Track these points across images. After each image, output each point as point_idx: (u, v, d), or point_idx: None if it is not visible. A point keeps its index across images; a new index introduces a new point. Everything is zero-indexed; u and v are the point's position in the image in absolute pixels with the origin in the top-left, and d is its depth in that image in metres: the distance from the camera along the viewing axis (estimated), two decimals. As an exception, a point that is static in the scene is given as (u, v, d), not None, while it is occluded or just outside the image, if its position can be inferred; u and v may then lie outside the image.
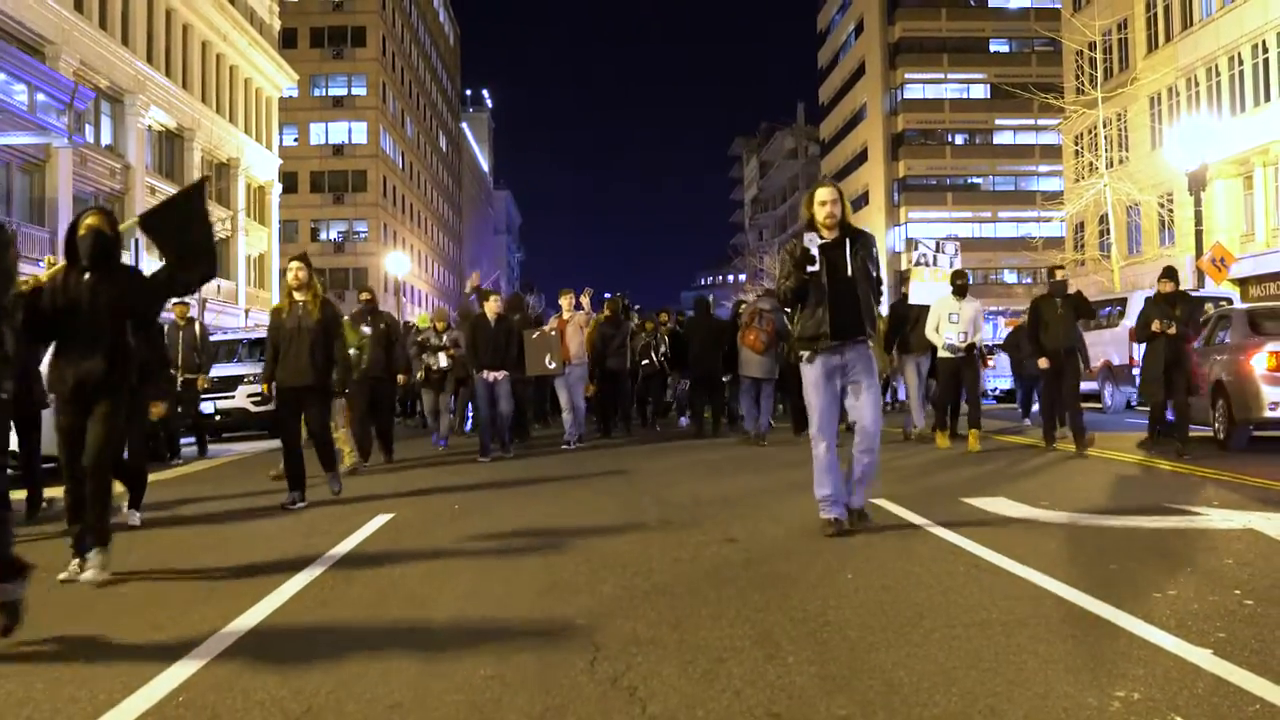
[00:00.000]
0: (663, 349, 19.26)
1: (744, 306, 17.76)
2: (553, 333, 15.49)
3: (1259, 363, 12.69)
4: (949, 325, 14.04)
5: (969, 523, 7.76)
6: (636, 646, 4.61)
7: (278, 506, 9.62)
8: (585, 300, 17.66)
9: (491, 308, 14.41)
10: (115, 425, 6.60)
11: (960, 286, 14.38)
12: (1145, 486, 9.79)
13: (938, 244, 16.68)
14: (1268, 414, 12.40)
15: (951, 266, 15.72)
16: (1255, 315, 13.98)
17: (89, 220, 6.72)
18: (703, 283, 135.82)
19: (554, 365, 15.09)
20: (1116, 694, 3.84)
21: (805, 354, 7.39)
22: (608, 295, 20.83)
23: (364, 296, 14.49)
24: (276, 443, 13.19)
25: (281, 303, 10.42)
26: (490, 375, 14.19)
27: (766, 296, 16.53)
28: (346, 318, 17.11)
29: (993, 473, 10.98)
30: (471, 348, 14.41)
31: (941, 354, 14.31)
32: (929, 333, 14.37)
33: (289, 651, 4.70)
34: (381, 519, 8.78)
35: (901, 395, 20.72)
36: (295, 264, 10.27)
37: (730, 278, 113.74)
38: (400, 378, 14.60)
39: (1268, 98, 34.69)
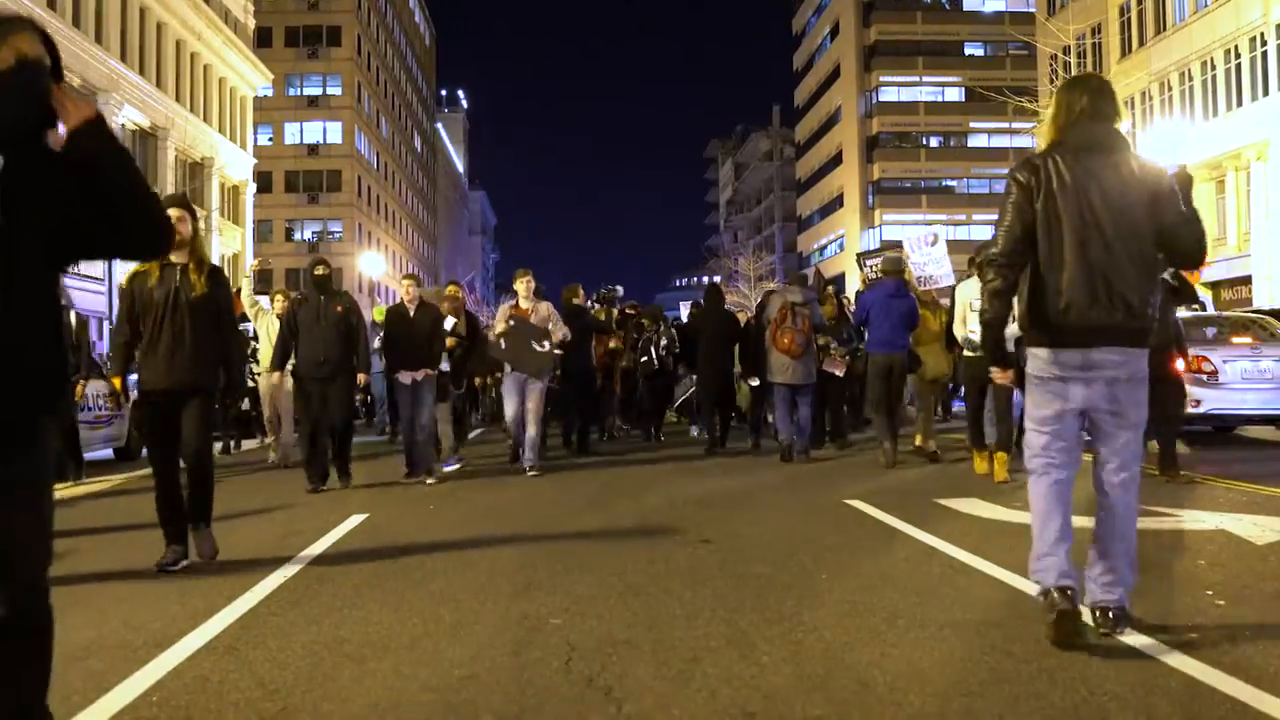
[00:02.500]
0: (664, 343, 17.19)
1: (771, 297, 14.61)
2: (511, 321, 12.45)
3: (1180, 365, 13.60)
4: (973, 316, 10.76)
5: (943, 524, 7.81)
6: (612, 646, 4.61)
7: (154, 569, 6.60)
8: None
9: (410, 294, 12.07)
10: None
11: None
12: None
13: None
14: (1189, 410, 13.34)
15: None
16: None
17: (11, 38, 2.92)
18: (678, 284, 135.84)
19: (546, 346, 12.33)
20: (1090, 693, 3.87)
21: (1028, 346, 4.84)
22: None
23: (319, 271, 11.33)
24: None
25: (148, 264, 6.97)
26: (408, 376, 11.79)
27: (796, 286, 13.91)
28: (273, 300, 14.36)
29: (966, 474, 11.01)
30: (387, 342, 12.18)
31: (967, 352, 11.23)
32: (955, 328, 11.49)
33: (263, 652, 4.67)
34: (356, 519, 8.74)
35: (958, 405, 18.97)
36: (174, 211, 6.70)
37: (705, 279, 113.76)
38: (360, 378, 11.29)
39: (1240, 102, 34.97)
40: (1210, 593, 5.44)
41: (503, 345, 12.32)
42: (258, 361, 14.67)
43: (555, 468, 13.01)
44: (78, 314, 12.47)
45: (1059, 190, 4.64)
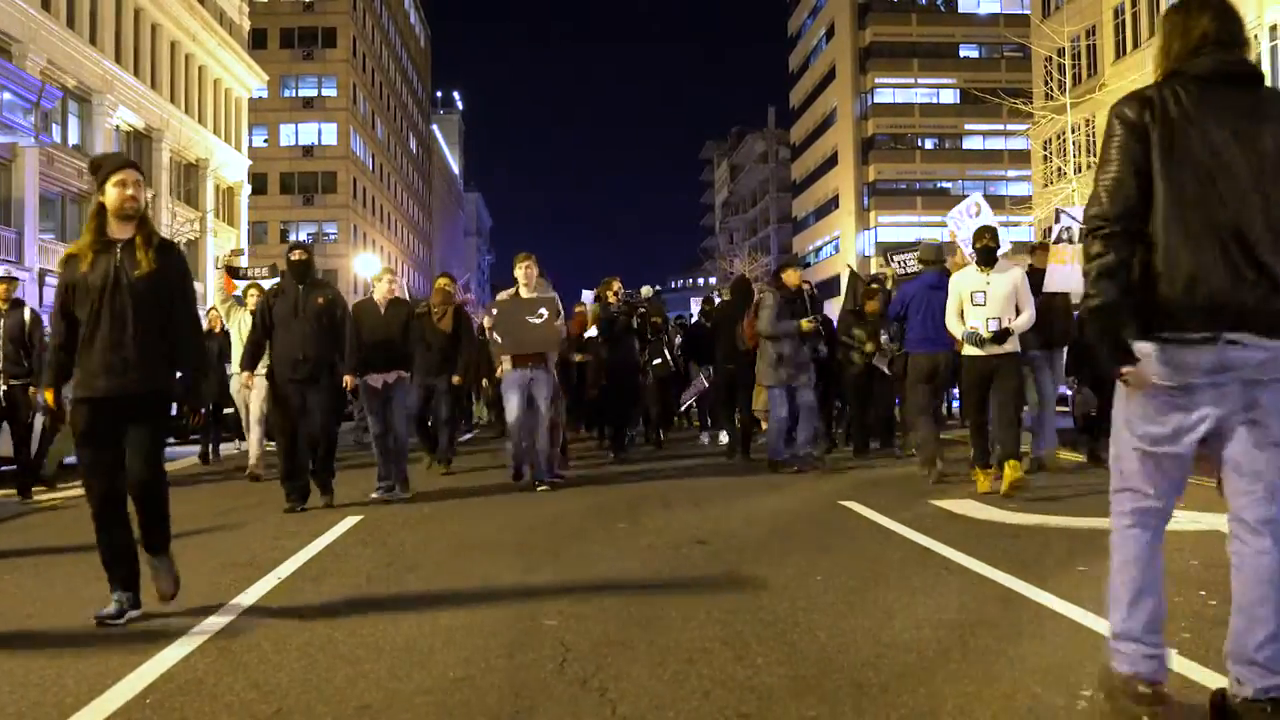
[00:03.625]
0: (678, 341, 16.25)
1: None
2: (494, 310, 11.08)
3: None
4: (973, 310, 9.74)
5: (938, 525, 7.82)
6: (607, 647, 4.61)
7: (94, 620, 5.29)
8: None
9: (383, 290, 10.78)
10: None
11: (986, 249, 9.84)
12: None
13: None
14: None
15: None
16: None
17: None
18: (674, 286, 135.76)
19: (543, 315, 10.66)
20: (1084, 693, 3.87)
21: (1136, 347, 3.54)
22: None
23: (296, 256, 9.86)
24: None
25: (81, 245, 5.55)
26: (378, 378, 10.38)
27: (771, 282, 12.83)
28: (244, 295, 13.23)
29: (962, 477, 11.00)
30: (354, 341, 9.92)
31: (967, 350, 9.80)
32: (950, 323, 10.02)
33: (257, 653, 4.67)
34: (350, 520, 8.73)
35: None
36: (125, 172, 5.51)
37: (701, 280, 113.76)
38: (347, 380, 9.76)
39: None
40: (1204, 593, 5.45)
41: (497, 338, 10.82)
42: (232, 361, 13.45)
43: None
44: (34, 312, 11.66)
45: (1180, 129, 3.49)
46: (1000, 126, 74.87)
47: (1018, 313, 9.71)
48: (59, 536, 8.33)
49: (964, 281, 9.94)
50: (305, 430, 9.61)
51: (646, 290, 17.67)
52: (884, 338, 13.33)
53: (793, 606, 5.33)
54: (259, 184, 68.66)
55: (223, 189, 55.40)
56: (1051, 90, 37.67)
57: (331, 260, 74.21)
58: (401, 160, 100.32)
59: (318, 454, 9.76)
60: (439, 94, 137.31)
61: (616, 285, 14.32)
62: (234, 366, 12.97)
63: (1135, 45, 41.10)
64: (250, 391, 11.85)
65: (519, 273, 11.07)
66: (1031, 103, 41.12)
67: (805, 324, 11.86)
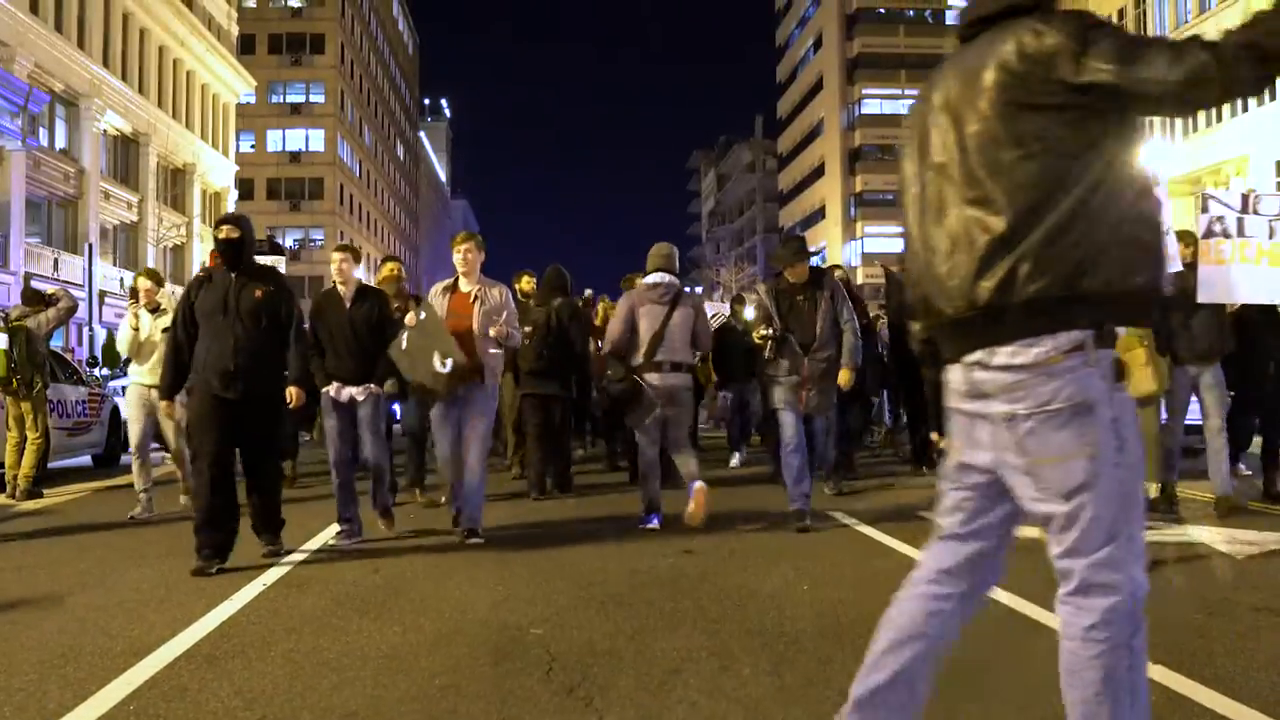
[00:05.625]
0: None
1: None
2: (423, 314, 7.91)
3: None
4: None
5: (926, 537, 7.79)
6: (593, 657, 4.60)
7: None
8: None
9: (343, 275, 8.24)
10: None
11: None
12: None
13: (1247, 198, 8.89)
14: None
15: (1274, 237, 8.62)
16: None
17: None
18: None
19: (447, 366, 7.60)
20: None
21: None
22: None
23: (223, 233, 7.16)
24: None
25: None
26: (343, 392, 8.05)
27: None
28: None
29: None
30: (314, 345, 8.01)
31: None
32: None
33: (241, 661, 4.64)
34: (335, 528, 8.69)
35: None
36: None
37: (687, 290, 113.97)
38: (292, 393, 7.34)
39: (1219, 119, 35.23)
40: (1189, 606, 5.46)
41: (403, 344, 7.84)
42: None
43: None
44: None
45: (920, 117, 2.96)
46: (987, 138, 75.19)
47: None
48: (44, 544, 8.29)
49: None
50: (231, 461, 7.17)
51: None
52: None
53: (780, 616, 5.33)
54: (246, 189, 68.70)
55: (209, 194, 55.35)
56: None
57: (318, 266, 74.10)
58: (389, 167, 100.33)
59: (256, 495, 7.39)
60: (427, 101, 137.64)
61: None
62: (141, 374, 9.90)
63: (1121, 59, 41.31)
64: (171, 422, 9.35)
65: (456, 257, 8.52)
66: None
67: (757, 335, 8.91)
